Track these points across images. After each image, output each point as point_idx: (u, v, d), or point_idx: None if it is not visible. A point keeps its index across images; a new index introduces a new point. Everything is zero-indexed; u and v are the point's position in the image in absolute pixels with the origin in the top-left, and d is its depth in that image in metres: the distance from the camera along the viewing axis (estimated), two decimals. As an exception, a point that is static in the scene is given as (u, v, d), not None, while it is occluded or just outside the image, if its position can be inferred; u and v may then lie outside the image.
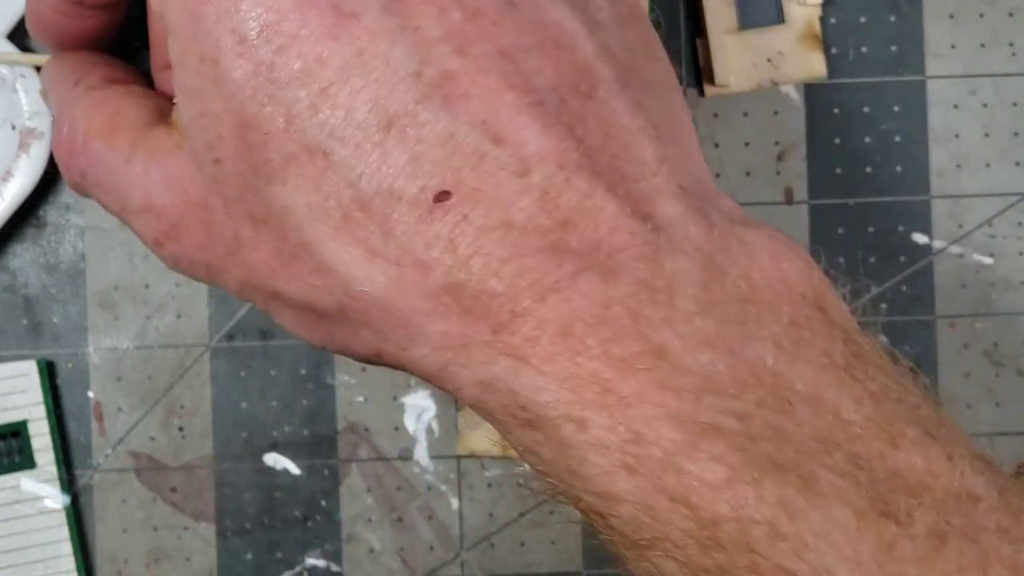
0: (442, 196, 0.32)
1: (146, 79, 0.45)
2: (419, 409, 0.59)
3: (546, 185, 0.32)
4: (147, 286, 0.58)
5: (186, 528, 0.59)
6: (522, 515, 0.59)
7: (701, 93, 0.59)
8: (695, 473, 0.31)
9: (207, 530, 0.59)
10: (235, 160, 0.35)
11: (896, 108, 0.59)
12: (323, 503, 0.59)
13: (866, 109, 0.59)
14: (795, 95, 0.59)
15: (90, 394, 0.59)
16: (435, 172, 0.32)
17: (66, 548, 0.58)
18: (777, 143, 0.59)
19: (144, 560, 0.59)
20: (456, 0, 0.33)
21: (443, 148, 0.32)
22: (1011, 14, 0.59)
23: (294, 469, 0.59)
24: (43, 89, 0.47)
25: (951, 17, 0.59)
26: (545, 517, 0.59)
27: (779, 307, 0.34)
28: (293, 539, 0.59)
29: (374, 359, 0.36)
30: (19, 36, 0.57)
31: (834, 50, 0.59)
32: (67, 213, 0.58)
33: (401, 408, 0.59)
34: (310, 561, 0.59)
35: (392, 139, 0.32)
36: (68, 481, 0.58)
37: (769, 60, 0.59)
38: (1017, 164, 0.59)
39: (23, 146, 0.55)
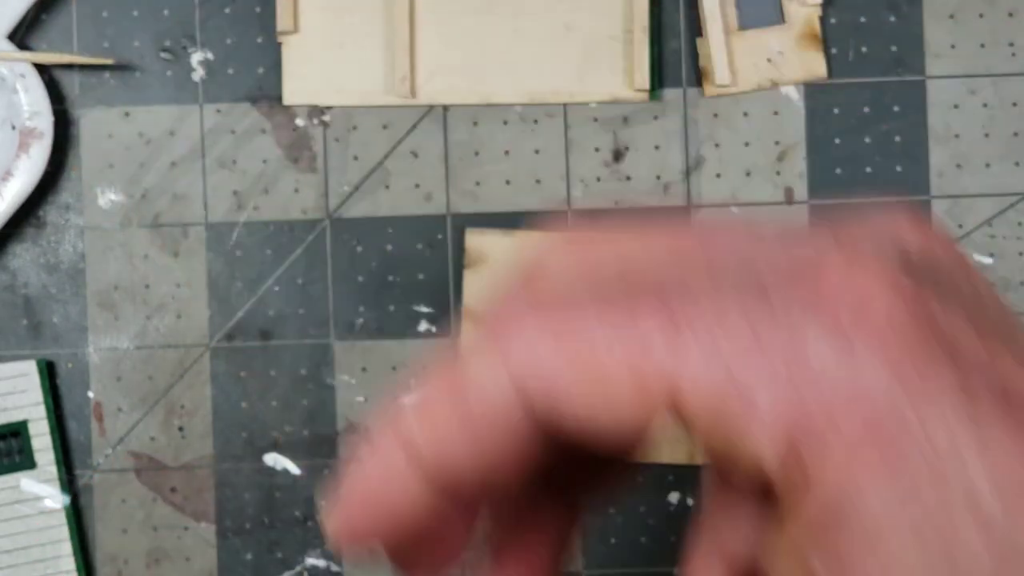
0: None
1: None
2: (419, 409, 0.59)
3: None
4: (147, 286, 0.59)
5: (186, 528, 0.59)
6: (522, 515, 0.59)
7: (701, 93, 0.59)
8: None
9: (207, 530, 0.59)
10: None
11: (896, 108, 0.59)
12: (323, 503, 0.59)
13: (866, 109, 0.59)
14: (795, 95, 0.59)
15: (90, 394, 0.59)
16: None
17: (66, 548, 0.58)
18: (777, 143, 0.59)
19: (144, 560, 0.59)
20: None
21: None
22: (1011, 14, 0.59)
23: (294, 469, 0.59)
24: None
25: (951, 17, 0.59)
26: (545, 517, 0.59)
27: None
28: (293, 539, 0.59)
29: None
30: (19, 35, 0.58)
31: (834, 50, 0.59)
32: (67, 213, 0.58)
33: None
34: (310, 561, 0.59)
35: None
36: (68, 481, 0.59)
37: (769, 60, 0.59)
38: (1017, 164, 0.59)
39: (23, 146, 0.55)
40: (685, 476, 0.59)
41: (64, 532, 0.58)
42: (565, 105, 0.59)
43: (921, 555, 0.25)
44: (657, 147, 0.59)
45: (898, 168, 0.59)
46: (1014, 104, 0.59)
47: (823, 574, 0.25)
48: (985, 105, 0.59)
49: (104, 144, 0.58)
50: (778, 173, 0.59)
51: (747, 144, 0.59)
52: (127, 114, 0.58)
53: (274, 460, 0.59)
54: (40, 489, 0.58)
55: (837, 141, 0.59)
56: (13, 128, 0.56)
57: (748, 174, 0.59)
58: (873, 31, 0.59)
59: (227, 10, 0.59)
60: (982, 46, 0.59)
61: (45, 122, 0.55)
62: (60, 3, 0.58)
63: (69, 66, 0.58)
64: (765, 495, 0.27)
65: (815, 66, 0.58)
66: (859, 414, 0.25)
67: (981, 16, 0.59)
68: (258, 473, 0.59)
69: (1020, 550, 0.24)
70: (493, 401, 0.27)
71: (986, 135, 0.59)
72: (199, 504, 0.59)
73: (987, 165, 0.59)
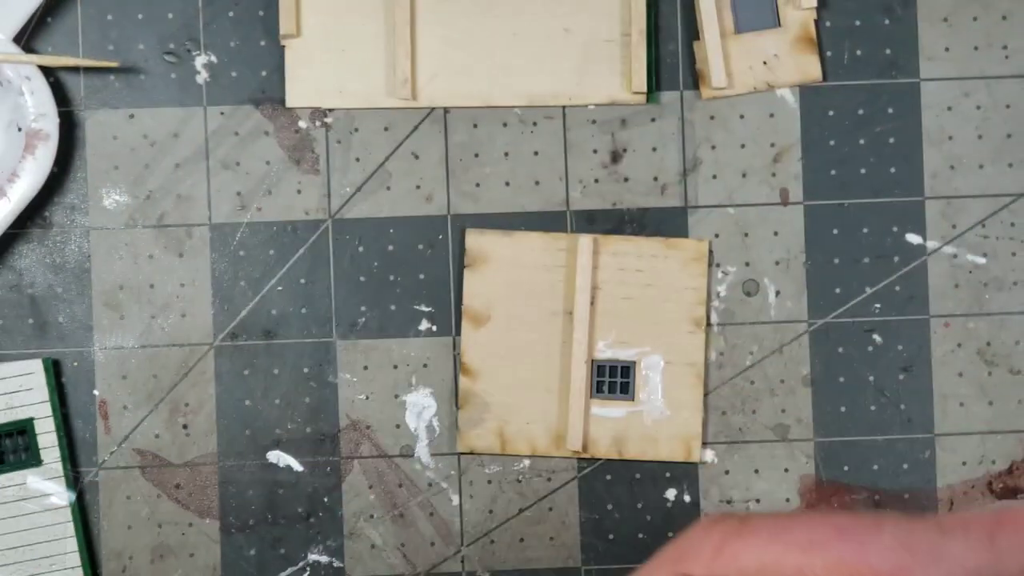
0: None
1: None
2: (420, 407, 0.59)
3: None
4: (152, 286, 0.59)
5: (190, 524, 0.59)
6: (521, 511, 0.59)
7: (698, 96, 0.59)
8: None
9: (211, 526, 0.59)
10: None
11: (890, 110, 0.60)
12: (325, 500, 0.59)
13: (860, 111, 0.60)
14: (790, 97, 0.59)
15: (95, 392, 0.59)
16: None
17: (71, 544, 0.59)
18: (773, 145, 0.59)
19: (149, 556, 0.59)
20: None
21: None
22: (1004, 17, 0.60)
23: (297, 466, 0.59)
24: None
25: (945, 20, 0.60)
26: (544, 514, 0.59)
27: None
28: (296, 535, 0.59)
29: None
30: (24, 38, 0.58)
31: (829, 53, 0.59)
32: (73, 214, 0.59)
33: (403, 406, 0.59)
34: (312, 557, 0.59)
35: None
36: (74, 478, 0.59)
37: (765, 63, 0.59)
38: (1010, 165, 0.60)
39: (29, 148, 0.56)
40: (682, 473, 0.59)
41: (69, 529, 0.59)
42: (564, 107, 0.59)
43: None
44: (654, 149, 0.59)
45: (892, 169, 0.59)
46: (1007, 106, 0.60)
47: None
48: (978, 107, 0.60)
49: (109, 146, 0.59)
50: (773, 174, 0.59)
51: (743, 146, 0.59)
52: (132, 116, 0.59)
53: (277, 457, 0.59)
54: (46, 486, 0.59)
55: (832, 143, 0.59)
56: (19, 130, 0.56)
57: (744, 175, 0.59)
58: (867, 34, 0.59)
59: (230, 13, 0.59)
60: (976, 49, 0.60)
61: (51, 124, 0.56)
62: (66, 6, 0.59)
63: (74, 69, 0.59)
64: None
65: (810, 69, 0.59)
66: None
67: (975, 19, 0.60)
68: (261, 470, 0.59)
69: None
70: None
71: (979, 137, 0.60)
72: (203, 501, 0.59)
73: (980, 166, 0.60)
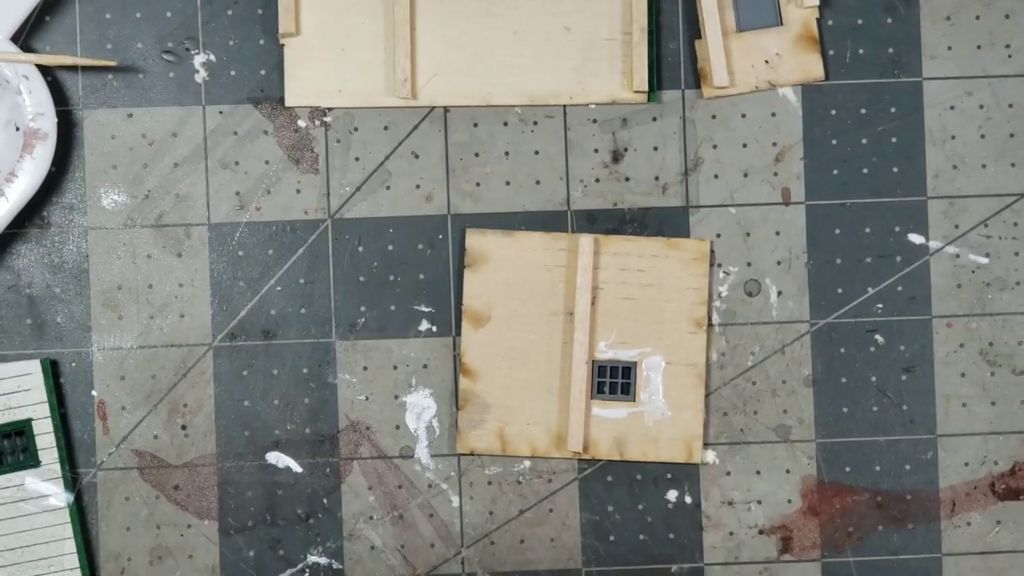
0: None
1: None
2: (420, 408, 0.59)
3: None
4: (150, 286, 0.59)
5: (189, 526, 0.59)
6: (522, 512, 0.59)
7: (700, 95, 0.59)
8: None
9: (210, 528, 0.59)
10: None
11: (893, 109, 0.59)
12: (325, 501, 0.59)
13: (863, 111, 0.59)
14: (792, 96, 0.59)
15: (94, 393, 0.59)
16: None
17: (70, 546, 0.59)
18: (775, 144, 0.59)
19: (147, 557, 0.59)
20: None
21: None
22: (1007, 16, 0.60)
23: (296, 467, 0.59)
24: None
25: (948, 19, 0.59)
26: (544, 515, 0.59)
27: None
28: (295, 537, 0.59)
29: None
30: (22, 38, 0.58)
31: (831, 52, 0.59)
32: (71, 214, 0.59)
33: (402, 407, 0.59)
34: (312, 558, 0.59)
35: None
36: (72, 479, 0.59)
37: (767, 62, 0.59)
38: (1013, 165, 0.59)
39: (27, 147, 0.56)
40: (683, 474, 0.59)
41: (68, 530, 0.59)
42: (564, 107, 0.59)
43: None
44: (656, 148, 0.59)
45: (895, 169, 0.59)
46: (1010, 105, 0.59)
47: None
48: (981, 106, 0.59)
49: (107, 145, 0.59)
50: (775, 174, 0.59)
51: (745, 145, 0.59)
52: (130, 115, 0.59)
53: (276, 458, 0.59)
54: (44, 487, 0.59)
55: (834, 142, 0.59)
56: (17, 129, 0.56)
57: (746, 175, 0.59)
58: (870, 33, 0.59)
59: (229, 12, 0.59)
60: (978, 48, 0.59)
61: (49, 123, 0.56)
62: (64, 5, 0.59)
63: (73, 68, 0.59)
64: None
65: (812, 68, 0.59)
66: None
67: (977, 18, 0.59)
68: (260, 471, 0.59)
69: None
70: None
71: (982, 136, 0.59)
72: (202, 502, 0.59)
73: (983, 166, 0.59)
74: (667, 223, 0.59)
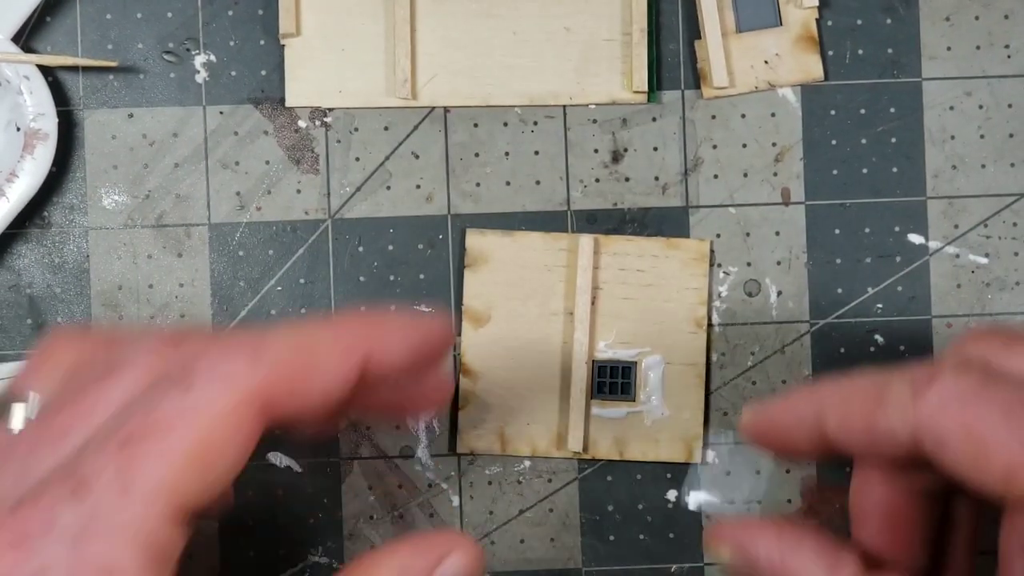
0: None
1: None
2: (420, 408, 0.59)
3: None
4: (151, 286, 0.59)
5: (189, 525, 0.59)
6: (521, 512, 0.59)
7: (699, 95, 0.59)
8: None
9: (209, 527, 0.59)
10: None
11: (892, 110, 0.59)
12: (325, 500, 0.59)
13: (862, 111, 0.59)
14: (792, 97, 0.59)
15: (94, 393, 0.59)
16: None
17: (70, 545, 0.58)
18: (774, 144, 0.59)
19: (147, 557, 0.59)
20: None
21: None
22: (1006, 16, 0.60)
23: (296, 467, 0.59)
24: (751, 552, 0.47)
25: (947, 20, 0.60)
26: (545, 515, 0.59)
27: None
28: (295, 536, 0.59)
29: None
30: (23, 38, 0.58)
31: (831, 52, 0.59)
32: (71, 214, 0.59)
33: (402, 407, 0.59)
34: (312, 558, 0.59)
35: None
36: (72, 479, 0.59)
37: (766, 62, 0.59)
38: (1012, 165, 0.60)
39: (28, 147, 0.56)
40: (683, 474, 0.59)
41: (68, 530, 0.58)
42: (564, 107, 0.59)
43: None
44: (655, 148, 0.59)
45: (894, 169, 0.59)
46: (1009, 106, 0.60)
47: None
48: (980, 107, 0.59)
49: (108, 145, 0.59)
50: (775, 174, 0.59)
51: (744, 145, 0.59)
52: (131, 116, 0.59)
53: (277, 458, 0.59)
54: (44, 487, 0.58)
55: (834, 142, 0.59)
56: (18, 129, 0.56)
57: (745, 175, 0.59)
58: (869, 33, 0.59)
59: (230, 13, 0.59)
60: (978, 48, 0.60)
61: (50, 123, 0.56)
62: (65, 6, 0.59)
63: (73, 68, 0.59)
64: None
65: (812, 68, 0.59)
66: None
67: (977, 18, 0.60)
68: (261, 470, 0.59)
69: None
70: (892, 425, 0.42)
71: (981, 136, 0.60)
72: (202, 502, 0.59)
73: (982, 166, 0.59)
74: (667, 223, 0.59)
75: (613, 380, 0.58)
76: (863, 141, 0.59)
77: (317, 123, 0.59)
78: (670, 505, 0.59)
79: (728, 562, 0.48)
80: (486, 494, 0.59)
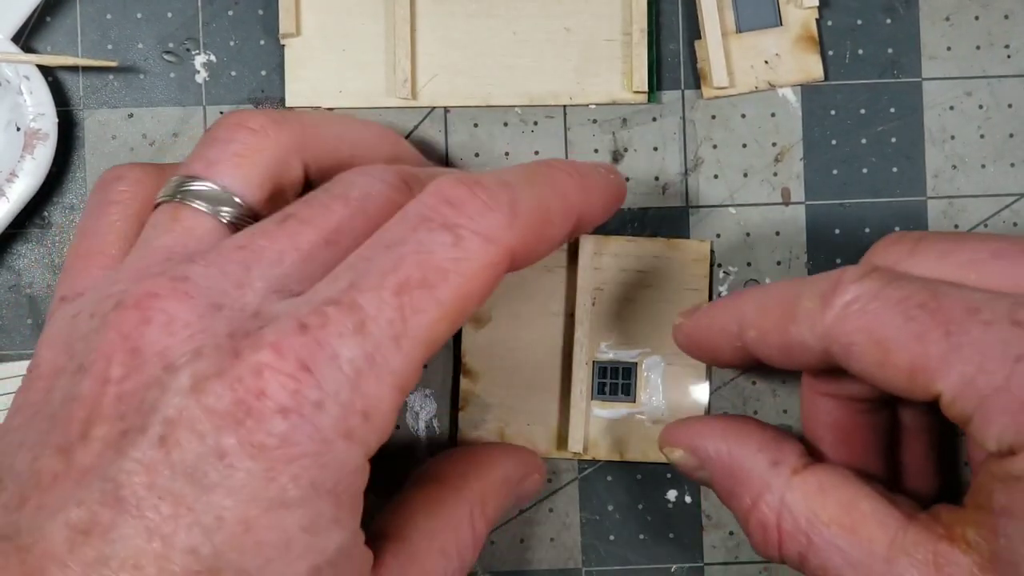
0: None
1: None
2: (420, 408, 0.59)
3: None
4: (151, 286, 0.59)
5: (189, 526, 0.59)
6: (521, 512, 0.59)
7: (700, 95, 0.59)
8: None
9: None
10: None
11: (892, 110, 0.59)
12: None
13: (862, 111, 0.59)
14: (792, 97, 0.59)
15: (94, 393, 0.59)
16: None
17: (70, 546, 0.58)
18: (774, 144, 0.59)
19: (147, 557, 0.59)
20: None
21: None
22: (1006, 16, 0.60)
23: (296, 467, 0.59)
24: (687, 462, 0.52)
25: (947, 20, 0.60)
26: (545, 515, 0.59)
27: None
28: (295, 536, 0.59)
29: None
30: (23, 38, 0.58)
31: (831, 52, 0.59)
32: (72, 213, 0.59)
33: (402, 407, 0.59)
34: (312, 558, 0.59)
35: None
36: (72, 479, 0.59)
37: (766, 62, 0.59)
38: (1012, 165, 0.60)
39: (28, 147, 0.56)
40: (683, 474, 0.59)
41: (68, 530, 0.58)
42: (564, 107, 0.59)
43: None
44: (655, 148, 0.59)
45: (894, 169, 0.59)
46: (1009, 106, 0.60)
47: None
48: (981, 107, 0.60)
49: (108, 145, 0.59)
50: (775, 174, 0.59)
51: (744, 145, 0.59)
52: (131, 115, 0.59)
53: (277, 458, 0.59)
54: (44, 487, 0.58)
55: (834, 142, 0.59)
56: (18, 129, 0.56)
57: (745, 175, 0.59)
58: (869, 33, 0.59)
59: (230, 13, 0.59)
60: (978, 48, 0.60)
61: (49, 123, 0.56)
62: (65, 6, 0.59)
63: (73, 68, 0.59)
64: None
65: (812, 68, 0.59)
66: None
67: (977, 19, 0.60)
68: (261, 471, 0.59)
69: None
70: (803, 337, 0.44)
71: (981, 136, 0.60)
72: (202, 502, 0.59)
73: (982, 166, 0.59)
74: (667, 223, 0.59)
75: (614, 381, 0.58)
76: (863, 141, 0.59)
77: (317, 123, 0.59)
78: (670, 505, 0.59)
79: (679, 462, 0.50)
80: (486, 494, 0.59)
